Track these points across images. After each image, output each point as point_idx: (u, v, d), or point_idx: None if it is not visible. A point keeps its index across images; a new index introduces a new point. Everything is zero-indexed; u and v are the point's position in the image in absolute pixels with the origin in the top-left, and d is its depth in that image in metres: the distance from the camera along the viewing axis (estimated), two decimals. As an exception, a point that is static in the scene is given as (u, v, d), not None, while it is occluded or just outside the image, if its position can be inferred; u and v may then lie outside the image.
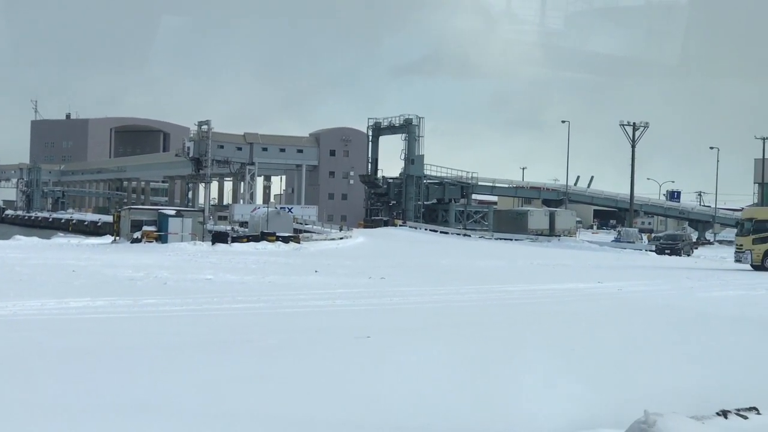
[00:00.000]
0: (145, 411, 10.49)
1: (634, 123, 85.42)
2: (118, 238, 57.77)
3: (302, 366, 13.81)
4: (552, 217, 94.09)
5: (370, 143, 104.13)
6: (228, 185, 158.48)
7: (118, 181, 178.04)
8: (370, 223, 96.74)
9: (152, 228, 56.11)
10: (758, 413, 11.50)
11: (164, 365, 13.50)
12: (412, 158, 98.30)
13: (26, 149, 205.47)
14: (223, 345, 15.86)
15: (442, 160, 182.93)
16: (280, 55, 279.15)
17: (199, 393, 11.56)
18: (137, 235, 55.69)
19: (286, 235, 60.54)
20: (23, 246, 52.36)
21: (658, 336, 19.10)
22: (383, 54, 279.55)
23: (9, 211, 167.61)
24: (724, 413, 11.14)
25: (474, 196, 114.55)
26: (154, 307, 22.18)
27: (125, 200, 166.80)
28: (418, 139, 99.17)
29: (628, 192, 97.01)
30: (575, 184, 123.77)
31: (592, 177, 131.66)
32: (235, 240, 57.38)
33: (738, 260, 51.58)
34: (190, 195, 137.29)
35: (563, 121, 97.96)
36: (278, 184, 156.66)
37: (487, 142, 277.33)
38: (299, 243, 59.84)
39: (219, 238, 57.31)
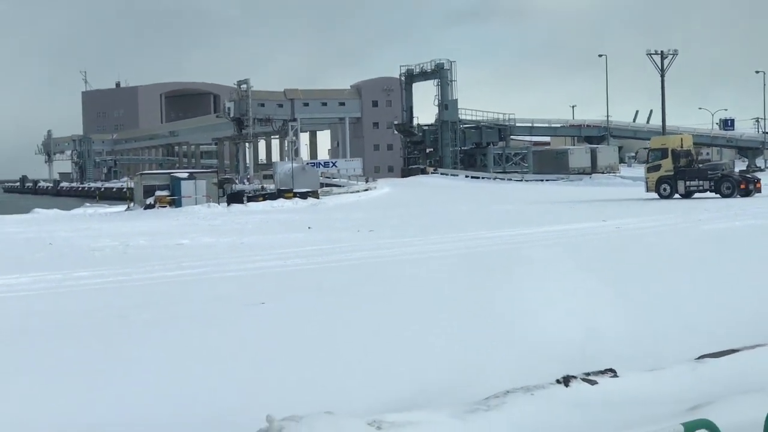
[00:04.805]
0: None
1: (662, 51, 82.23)
2: (132, 204, 56.87)
3: (150, 348, 12.25)
4: (593, 155, 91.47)
5: (404, 91, 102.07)
6: (275, 143, 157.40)
7: (169, 147, 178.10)
8: (407, 172, 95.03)
9: (165, 193, 55.05)
10: (615, 375, 9.80)
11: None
12: (446, 103, 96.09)
13: (79, 121, 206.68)
14: (83, 324, 14.45)
15: (499, 105, 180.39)
16: (335, 9, 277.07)
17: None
18: (150, 200, 54.70)
19: (304, 191, 59.11)
20: (31, 220, 51.67)
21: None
22: (437, 1, 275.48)
23: (64, 183, 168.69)
24: (566, 380, 9.43)
25: (529, 139, 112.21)
26: (77, 281, 20.86)
27: (177, 165, 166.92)
28: (451, 83, 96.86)
29: (681, 125, 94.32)
30: (634, 120, 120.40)
31: (651, 111, 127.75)
32: (251, 199, 56.13)
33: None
34: (240, 156, 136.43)
35: (600, 55, 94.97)
36: (327, 139, 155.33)
37: (544, 84, 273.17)
38: (318, 198, 58.41)
39: (234, 198, 56.13)
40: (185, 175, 58.16)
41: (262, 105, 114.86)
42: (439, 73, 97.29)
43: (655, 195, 51.47)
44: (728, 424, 7.05)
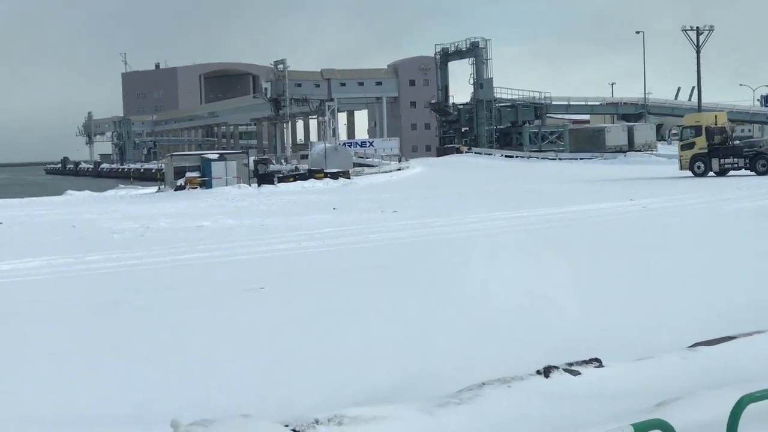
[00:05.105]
0: None
1: (697, 27, 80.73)
2: (162, 186, 56.87)
3: (133, 338, 12.04)
4: (630, 132, 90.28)
5: (439, 70, 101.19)
6: (313, 124, 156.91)
7: (208, 128, 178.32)
8: (442, 151, 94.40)
9: (195, 174, 54.97)
10: (600, 365, 9.44)
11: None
12: (481, 82, 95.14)
13: (119, 102, 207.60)
14: (75, 311, 14.28)
15: (540, 84, 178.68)
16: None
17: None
18: (180, 182, 54.66)
19: (335, 171, 58.84)
20: (63, 202, 51.84)
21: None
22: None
23: (104, 165, 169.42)
24: (546, 371, 9.08)
25: (568, 117, 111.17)
26: (87, 265, 20.78)
27: (216, 145, 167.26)
28: (486, 62, 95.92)
29: (721, 101, 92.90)
30: (676, 97, 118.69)
31: (693, 88, 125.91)
32: (281, 180, 55.93)
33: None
34: (277, 136, 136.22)
35: (637, 32, 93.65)
36: (365, 119, 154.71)
37: (587, 62, 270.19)
38: (349, 178, 58.12)
39: (265, 179, 55.97)
40: (215, 156, 58.00)
41: (299, 85, 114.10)
42: (474, 51, 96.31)
43: (689, 173, 50.68)
44: (691, 422, 6.72)
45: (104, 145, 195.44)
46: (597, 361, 9.47)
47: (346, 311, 13.12)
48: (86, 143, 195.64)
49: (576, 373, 9.13)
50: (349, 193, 49.16)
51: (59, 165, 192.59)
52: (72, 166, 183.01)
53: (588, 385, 8.92)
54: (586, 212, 29.95)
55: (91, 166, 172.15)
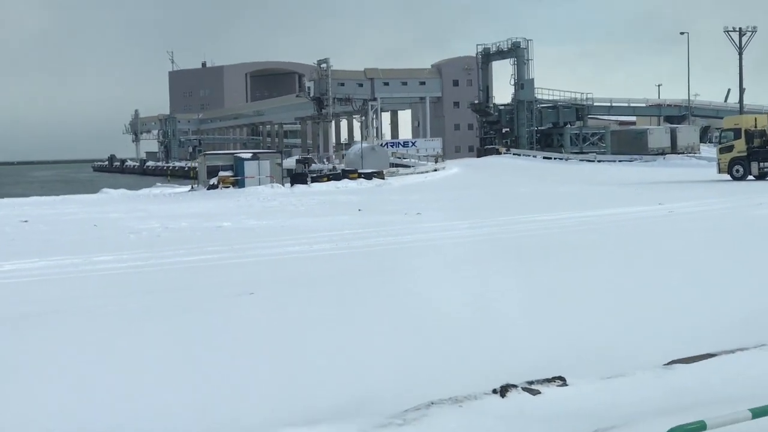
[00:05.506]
0: None
1: (740, 28, 79.40)
2: (196, 185, 56.91)
3: (110, 343, 11.74)
4: (673, 134, 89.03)
5: (480, 70, 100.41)
6: (357, 124, 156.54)
7: (254, 126, 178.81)
8: (482, 152, 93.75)
9: (228, 173, 54.92)
10: (563, 384, 9.03)
11: None
12: (522, 83, 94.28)
13: (166, 100, 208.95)
14: (66, 313, 14.04)
15: (587, 85, 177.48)
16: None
17: None
18: (213, 181, 54.65)
19: (369, 171, 58.49)
20: (95, 200, 52.01)
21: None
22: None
23: (150, 163, 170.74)
24: (503, 390, 8.69)
25: (614, 119, 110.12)
26: (93, 266, 20.63)
27: (261, 144, 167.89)
28: (528, 62, 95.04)
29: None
30: (726, 99, 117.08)
31: (744, 89, 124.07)
32: (315, 180, 55.72)
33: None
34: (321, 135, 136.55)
35: (682, 33, 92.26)
36: (408, 119, 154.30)
37: (636, 63, 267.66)
38: (383, 179, 57.75)
39: (298, 179, 55.78)
40: (249, 155, 57.91)
41: (342, 84, 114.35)
42: (516, 52, 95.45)
43: (727, 176, 49.78)
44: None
45: (151, 143, 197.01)
46: (561, 380, 9.07)
47: (323, 318, 12.76)
48: (133, 141, 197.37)
49: (536, 393, 8.75)
50: (381, 194, 48.81)
51: (106, 162, 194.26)
52: (118, 163, 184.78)
53: (547, 406, 8.54)
54: (608, 216, 29.45)
55: (137, 164, 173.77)
